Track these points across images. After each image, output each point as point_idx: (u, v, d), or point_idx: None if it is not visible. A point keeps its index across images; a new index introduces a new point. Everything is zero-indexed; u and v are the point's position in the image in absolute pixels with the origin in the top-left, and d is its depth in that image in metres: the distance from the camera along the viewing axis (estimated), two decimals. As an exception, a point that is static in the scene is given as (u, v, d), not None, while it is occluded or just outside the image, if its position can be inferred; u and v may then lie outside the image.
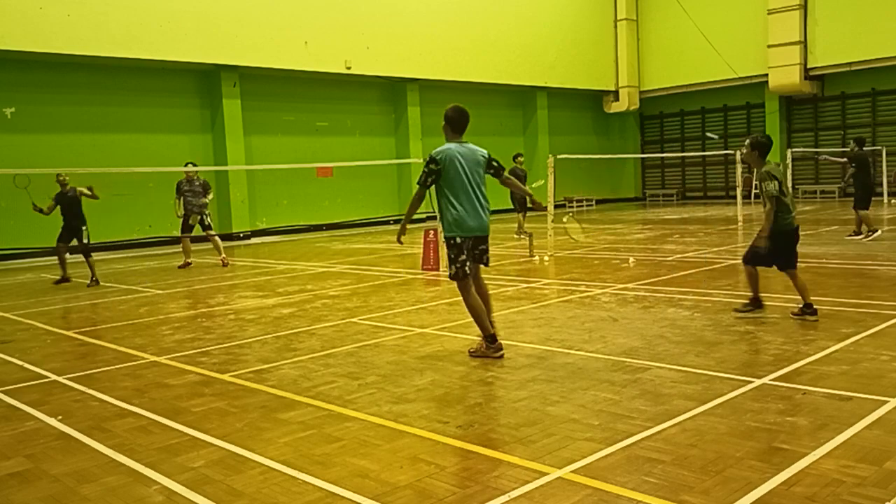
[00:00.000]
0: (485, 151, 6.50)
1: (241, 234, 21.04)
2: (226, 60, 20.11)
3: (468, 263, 6.18)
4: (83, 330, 8.43)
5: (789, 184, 13.29)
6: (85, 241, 12.48)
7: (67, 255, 12.82)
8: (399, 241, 6.62)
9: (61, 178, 12.41)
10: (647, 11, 30.59)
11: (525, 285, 10.05)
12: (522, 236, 16.61)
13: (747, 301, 7.47)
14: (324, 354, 6.62)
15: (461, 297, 6.31)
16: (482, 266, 6.43)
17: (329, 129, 23.47)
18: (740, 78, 27.77)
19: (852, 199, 14.16)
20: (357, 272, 12.52)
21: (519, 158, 17.73)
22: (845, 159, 15.14)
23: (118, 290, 11.73)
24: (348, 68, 22.47)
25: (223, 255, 14.37)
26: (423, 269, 12.16)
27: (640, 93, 31.19)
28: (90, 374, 6.33)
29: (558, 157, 15.03)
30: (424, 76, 24.35)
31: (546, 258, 12.90)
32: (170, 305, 9.98)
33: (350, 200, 23.96)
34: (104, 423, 4.96)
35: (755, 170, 7.23)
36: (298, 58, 21.35)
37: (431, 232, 12.24)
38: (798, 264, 7.17)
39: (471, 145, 6.40)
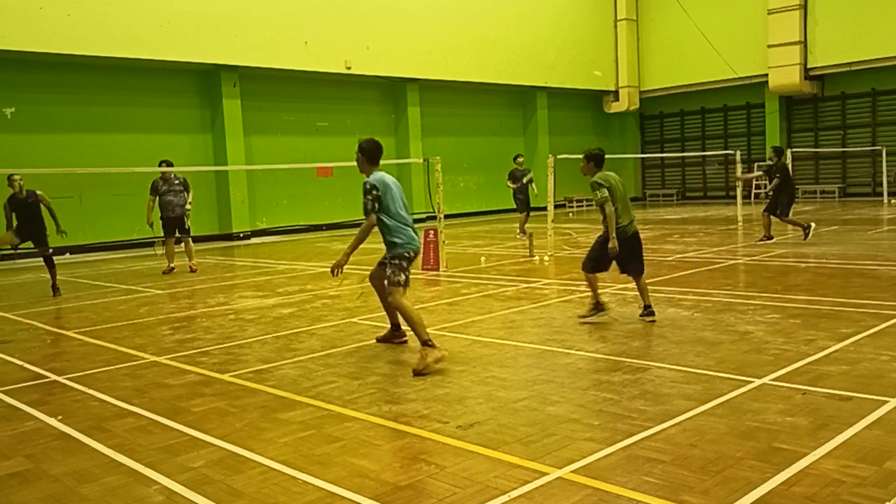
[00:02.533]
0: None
1: (241, 234, 21.04)
2: (226, 60, 20.10)
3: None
4: (83, 330, 8.43)
5: (786, 184, 13.40)
6: (46, 247, 11.43)
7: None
8: (334, 272, 6.28)
9: (15, 179, 11.01)
10: (647, 11, 30.59)
11: (525, 285, 10.05)
12: (523, 236, 16.65)
13: (591, 306, 7.50)
14: (324, 354, 6.62)
15: (397, 304, 6.28)
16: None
17: (329, 129, 23.47)
18: (740, 78, 27.77)
19: (767, 204, 14.19)
20: (357, 272, 12.53)
21: (519, 159, 17.75)
22: (761, 172, 15.33)
23: (118, 290, 11.73)
24: (348, 68, 22.46)
25: (193, 261, 13.60)
26: (422, 269, 12.16)
27: (640, 93, 31.19)
28: (90, 374, 6.33)
29: (558, 157, 15.04)
30: (424, 76, 24.35)
31: (546, 258, 12.90)
32: (170, 305, 9.98)
33: (350, 200, 23.91)
34: (104, 423, 4.96)
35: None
36: (298, 58, 21.35)
37: (431, 232, 12.24)
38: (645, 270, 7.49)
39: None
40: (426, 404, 4.99)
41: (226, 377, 6.00)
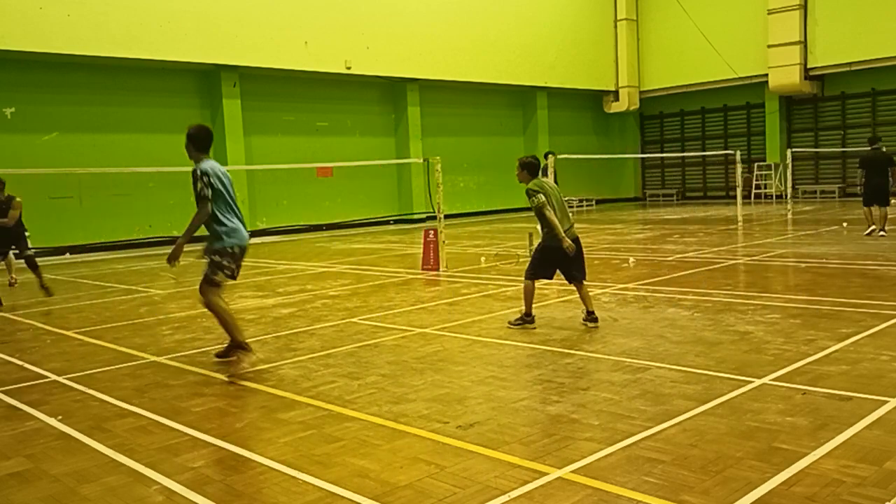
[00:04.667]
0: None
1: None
2: (226, 60, 20.11)
3: (234, 274, 6.31)
4: (83, 330, 8.43)
5: (793, 183, 13.42)
6: (28, 249, 11.22)
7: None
8: (171, 262, 6.17)
9: None
10: (647, 11, 30.59)
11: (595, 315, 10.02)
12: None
13: (520, 316, 7.46)
14: (324, 354, 6.62)
15: (210, 304, 6.21)
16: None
17: (329, 129, 23.47)
18: (740, 78, 27.77)
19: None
20: (357, 272, 12.52)
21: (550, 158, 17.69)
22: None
23: (118, 290, 11.73)
24: (348, 68, 22.47)
25: (13, 276, 12.68)
26: (422, 269, 12.17)
27: (640, 93, 31.19)
28: (90, 374, 6.33)
29: (558, 156, 15.04)
30: (424, 76, 24.36)
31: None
32: (170, 305, 9.98)
33: (350, 200, 23.97)
34: (104, 423, 4.96)
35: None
36: (298, 58, 21.35)
37: (431, 232, 12.24)
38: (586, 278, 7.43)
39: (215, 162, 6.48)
40: (426, 404, 4.99)
41: (226, 377, 6.00)
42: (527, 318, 7.41)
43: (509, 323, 7.50)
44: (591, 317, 7.25)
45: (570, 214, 7.46)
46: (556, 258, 7.20)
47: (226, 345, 6.53)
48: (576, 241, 7.22)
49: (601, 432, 4.28)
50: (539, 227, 7.37)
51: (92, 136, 19.01)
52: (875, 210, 13.74)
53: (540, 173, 7.52)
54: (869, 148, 14.14)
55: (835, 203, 24.59)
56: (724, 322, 7.09)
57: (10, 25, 16.59)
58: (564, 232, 7.10)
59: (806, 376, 5.20)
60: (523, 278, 7.53)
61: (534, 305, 7.44)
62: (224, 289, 6.31)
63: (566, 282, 7.45)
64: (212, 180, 6.20)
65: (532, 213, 7.60)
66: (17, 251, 11.46)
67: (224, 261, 6.24)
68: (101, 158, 18.53)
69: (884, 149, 14.20)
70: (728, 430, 4.23)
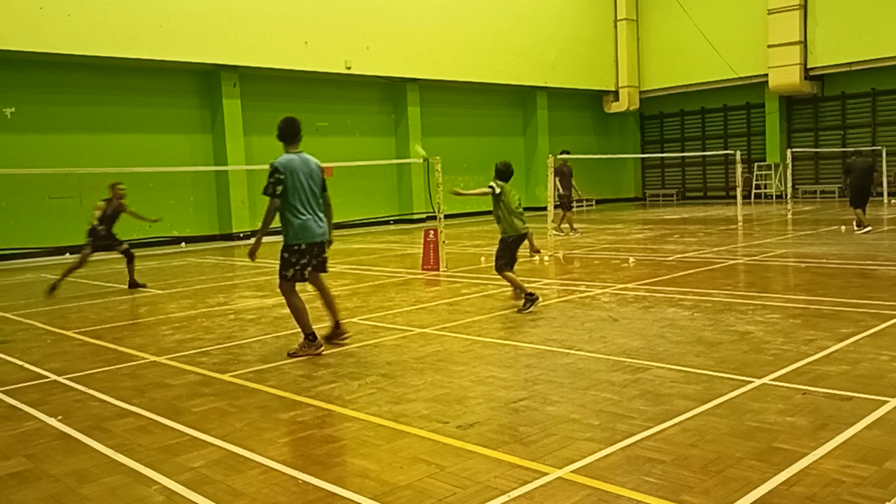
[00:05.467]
0: (317, 162, 6.80)
1: (241, 234, 21.04)
2: (226, 60, 20.11)
3: (308, 269, 6.59)
4: (83, 330, 8.43)
5: (793, 183, 13.43)
6: (122, 244, 11.89)
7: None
8: (252, 257, 6.71)
9: None
10: (647, 11, 30.59)
11: (525, 285, 10.02)
12: (563, 233, 16.95)
13: (524, 299, 8.16)
14: (324, 354, 6.61)
15: (284, 298, 6.70)
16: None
17: (329, 129, 23.47)
18: (740, 78, 27.77)
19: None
20: (357, 272, 12.52)
21: (564, 155, 17.77)
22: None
23: (118, 291, 11.73)
24: (348, 68, 22.46)
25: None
26: (422, 270, 12.17)
27: (640, 93, 31.19)
28: (90, 374, 6.33)
29: (558, 156, 15.04)
30: (424, 76, 24.35)
31: (546, 258, 12.90)
32: (170, 305, 9.98)
33: (350, 200, 23.94)
34: (104, 423, 4.96)
35: None
36: (298, 58, 21.35)
37: (431, 232, 12.24)
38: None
39: (305, 155, 6.70)
40: (426, 404, 4.99)
41: (226, 377, 6.00)
42: (530, 298, 8.09)
43: (519, 311, 8.03)
44: (531, 297, 8.14)
45: (524, 216, 8.64)
46: (513, 246, 8.49)
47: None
48: (524, 236, 8.50)
49: (601, 432, 4.28)
50: (497, 222, 8.58)
51: (92, 136, 19.00)
52: (859, 213, 14.70)
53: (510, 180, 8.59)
54: (854, 157, 15.44)
55: (835, 203, 24.59)
56: (724, 322, 7.09)
57: (10, 25, 16.58)
58: (519, 228, 8.42)
59: (806, 376, 5.20)
60: (498, 273, 8.60)
61: (533, 304, 7.49)
62: (295, 286, 6.65)
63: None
64: (282, 176, 6.37)
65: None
66: (111, 244, 11.93)
67: (292, 258, 6.51)
68: (101, 158, 18.51)
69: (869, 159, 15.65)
70: (728, 430, 4.23)
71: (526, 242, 8.60)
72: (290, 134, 6.66)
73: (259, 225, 6.59)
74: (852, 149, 25.87)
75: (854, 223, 15.07)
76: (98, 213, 11.49)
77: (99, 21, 17.82)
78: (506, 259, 8.50)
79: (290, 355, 6.53)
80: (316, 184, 6.64)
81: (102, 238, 11.52)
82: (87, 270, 14.99)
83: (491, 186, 8.41)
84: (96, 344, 7.62)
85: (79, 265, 11.37)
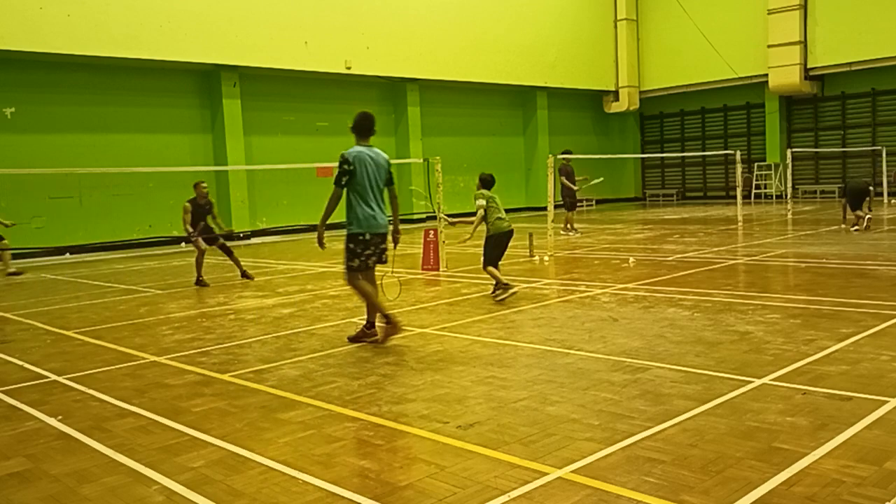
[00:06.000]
0: (387, 156, 7.04)
1: (241, 234, 21.04)
2: (226, 60, 20.11)
3: (372, 259, 6.81)
4: (83, 330, 8.44)
5: (793, 183, 13.42)
6: (220, 238, 12.29)
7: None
8: (321, 245, 6.95)
9: None
10: (647, 11, 30.59)
11: (525, 285, 10.04)
12: (569, 233, 16.98)
13: (501, 289, 8.94)
14: (324, 354, 6.62)
15: (352, 286, 6.96)
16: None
17: (329, 129, 23.46)
18: (740, 78, 27.77)
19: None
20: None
21: (566, 155, 17.81)
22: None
23: (118, 290, 11.73)
24: (348, 68, 22.46)
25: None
26: (423, 270, 12.16)
27: (640, 93, 31.19)
28: (90, 374, 6.33)
29: (558, 156, 15.04)
30: (424, 76, 24.35)
31: (546, 258, 12.90)
32: (170, 305, 9.98)
33: (350, 200, 23.93)
34: (104, 423, 4.96)
35: None
36: (298, 58, 21.35)
37: (431, 232, 12.24)
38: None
39: (376, 150, 6.92)
40: (426, 404, 4.98)
41: (226, 377, 6.00)
42: (506, 287, 8.91)
43: (498, 300, 8.79)
44: (506, 287, 8.90)
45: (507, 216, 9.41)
46: (498, 244, 9.19)
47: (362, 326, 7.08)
48: (510, 233, 9.27)
49: (601, 432, 4.28)
50: (484, 224, 9.30)
51: (92, 136, 19.00)
52: (859, 212, 14.92)
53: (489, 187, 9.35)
54: (850, 181, 16.19)
55: (835, 203, 24.56)
56: (724, 322, 7.09)
57: (10, 25, 16.59)
58: (502, 226, 9.19)
59: (806, 376, 5.20)
60: (483, 269, 9.26)
61: (534, 305, 7.52)
62: (360, 275, 6.84)
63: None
64: (350, 167, 6.58)
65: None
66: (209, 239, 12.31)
67: (357, 248, 6.71)
68: (101, 158, 18.52)
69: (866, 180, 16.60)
70: (728, 430, 4.23)
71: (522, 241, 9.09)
72: (365, 128, 6.88)
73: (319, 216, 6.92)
74: (852, 149, 26.00)
75: (851, 224, 15.14)
76: (188, 218, 11.91)
77: (99, 21, 17.82)
78: (493, 256, 9.19)
79: (350, 340, 6.90)
80: (382, 177, 6.84)
81: (203, 232, 12.13)
82: (87, 270, 15.01)
83: (480, 205, 9.24)
84: (96, 344, 7.62)
85: (200, 257, 12.05)
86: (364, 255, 6.73)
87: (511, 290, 8.89)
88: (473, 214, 9.35)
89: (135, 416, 5.09)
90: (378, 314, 6.90)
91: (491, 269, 9.16)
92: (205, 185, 12.32)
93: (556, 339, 6.74)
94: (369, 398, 5.20)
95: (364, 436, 4.45)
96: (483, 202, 9.20)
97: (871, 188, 15.79)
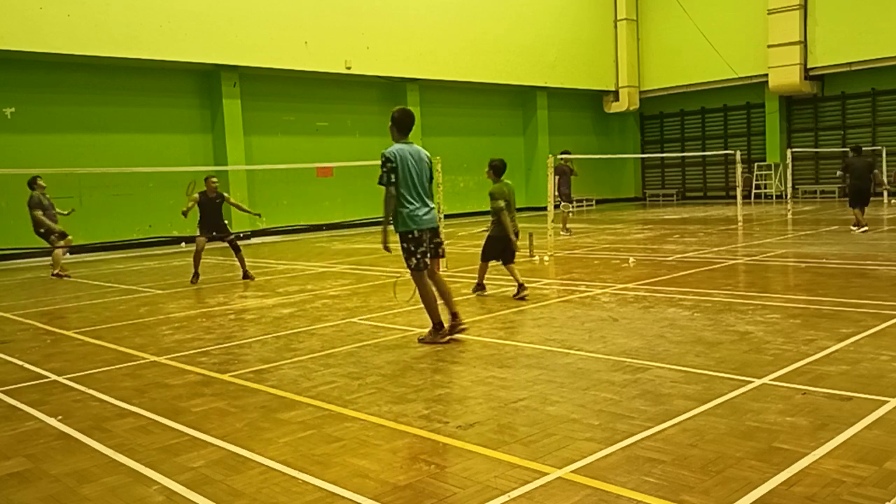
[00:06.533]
0: (427, 153, 7.04)
1: (241, 234, 21.01)
2: (226, 60, 20.11)
3: (427, 255, 6.77)
4: (83, 330, 8.43)
5: (793, 183, 13.44)
6: (229, 235, 12.46)
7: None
8: (387, 249, 6.84)
9: None
10: (647, 11, 30.59)
11: (525, 285, 10.03)
12: (570, 233, 17.03)
13: (476, 286, 9.48)
14: (324, 354, 6.62)
15: (416, 285, 6.91)
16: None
17: (329, 129, 23.47)
18: (740, 78, 27.77)
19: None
20: (357, 272, 12.53)
21: (565, 155, 17.79)
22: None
23: (118, 290, 11.73)
24: (348, 68, 22.46)
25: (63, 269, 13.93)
26: (423, 269, 12.15)
27: (640, 93, 31.19)
28: (90, 374, 6.33)
29: (558, 156, 15.04)
30: (424, 76, 24.35)
31: (546, 258, 12.90)
32: (170, 305, 9.98)
33: (350, 200, 23.94)
34: (104, 423, 4.96)
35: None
36: (298, 58, 21.35)
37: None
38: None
39: (416, 146, 6.90)
40: (426, 404, 4.98)
41: (226, 377, 6.00)
42: (481, 286, 9.45)
43: (474, 292, 9.40)
44: (523, 290, 8.92)
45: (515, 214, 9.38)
46: (500, 246, 9.17)
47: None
48: (516, 233, 9.14)
49: (601, 432, 4.28)
50: (491, 220, 9.23)
51: (92, 136, 19.00)
52: (858, 212, 14.82)
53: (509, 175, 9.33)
54: (852, 154, 15.57)
55: (835, 203, 24.58)
56: (724, 322, 7.09)
57: (10, 25, 16.59)
58: (511, 229, 9.00)
59: (806, 376, 5.20)
60: (481, 260, 9.45)
61: (534, 305, 7.52)
62: (425, 273, 6.85)
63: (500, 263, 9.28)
64: (393, 165, 6.55)
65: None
66: (220, 236, 12.51)
67: (411, 246, 6.71)
68: (101, 158, 18.52)
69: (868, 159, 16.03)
70: (728, 430, 4.23)
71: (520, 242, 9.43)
72: (405, 126, 6.84)
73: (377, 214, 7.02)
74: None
75: (852, 224, 15.08)
76: (192, 204, 11.99)
77: (99, 21, 17.82)
78: (492, 255, 9.29)
79: (421, 341, 6.81)
80: (425, 173, 6.83)
81: (212, 228, 12.22)
82: (87, 270, 15.01)
83: (499, 207, 9.00)
84: (96, 344, 7.62)
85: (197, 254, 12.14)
86: (419, 252, 6.71)
87: (485, 293, 9.38)
88: (487, 213, 9.37)
89: (135, 416, 5.09)
90: (437, 315, 6.86)
91: (484, 265, 9.42)
92: (215, 179, 12.39)
93: (556, 339, 6.73)
94: (369, 398, 5.20)
95: (364, 436, 4.45)
96: (502, 204, 9.02)
97: (875, 170, 15.57)
